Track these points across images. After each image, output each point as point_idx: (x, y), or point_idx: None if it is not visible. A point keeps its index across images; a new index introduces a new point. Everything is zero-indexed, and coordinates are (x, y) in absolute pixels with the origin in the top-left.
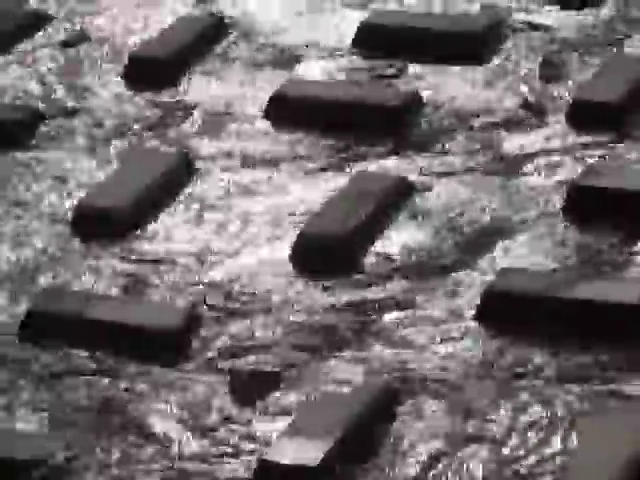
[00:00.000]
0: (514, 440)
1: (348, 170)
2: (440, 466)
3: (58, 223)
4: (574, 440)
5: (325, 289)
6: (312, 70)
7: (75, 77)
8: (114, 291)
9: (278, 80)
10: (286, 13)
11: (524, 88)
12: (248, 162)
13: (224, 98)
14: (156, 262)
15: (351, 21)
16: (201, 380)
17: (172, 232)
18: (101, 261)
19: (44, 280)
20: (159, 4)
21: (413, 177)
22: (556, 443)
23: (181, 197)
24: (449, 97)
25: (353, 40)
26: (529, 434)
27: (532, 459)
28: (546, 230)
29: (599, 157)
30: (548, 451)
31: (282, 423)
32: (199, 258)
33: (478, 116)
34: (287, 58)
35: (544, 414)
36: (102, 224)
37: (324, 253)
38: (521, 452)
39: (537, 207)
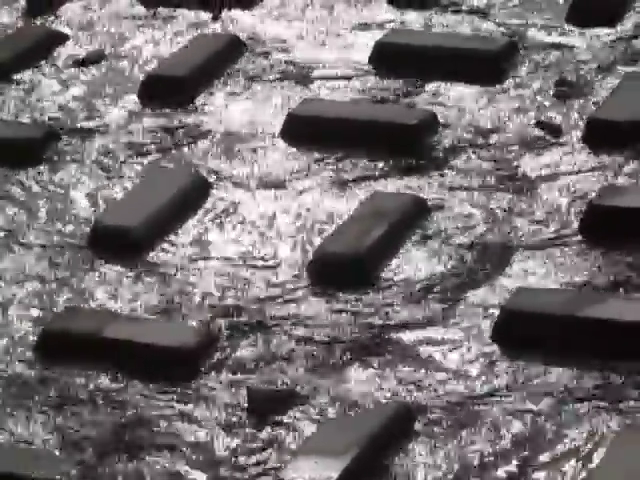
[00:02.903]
0: (530, 457)
1: (364, 189)
2: None
3: (74, 241)
4: (595, 455)
5: (341, 307)
6: (329, 89)
7: (92, 96)
8: (129, 310)
9: (295, 99)
10: (303, 32)
11: (541, 107)
12: (264, 181)
13: (241, 117)
14: (172, 280)
15: (368, 40)
16: (218, 397)
17: (188, 251)
18: (117, 279)
19: (60, 299)
20: (175, 23)
21: (429, 196)
22: (577, 458)
23: (197, 215)
24: (465, 116)
25: (369, 59)
26: (547, 452)
27: (552, 475)
28: (562, 249)
29: (616, 176)
30: (568, 466)
31: (298, 441)
32: (215, 276)
33: (494, 135)
34: (304, 77)
35: (563, 431)
36: (118, 243)
37: (340, 271)
38: (540, 467)
39: (554, 226)
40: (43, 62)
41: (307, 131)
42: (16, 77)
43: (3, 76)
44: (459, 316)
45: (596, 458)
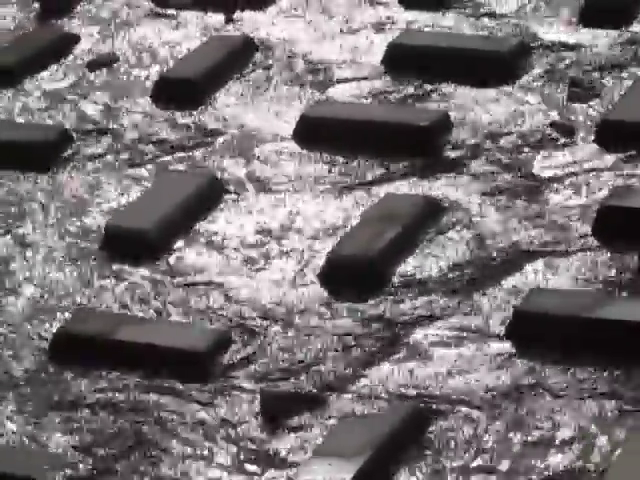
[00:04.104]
0: (546, 457)
1: (377, 190)
2: None
3: (86, 244)
4: (609, 457)
5: (354, 309)
6: (341, 91)
7: (105, 98)
8: (142, 312)
9: (307, 100)
10: (315, 33)
11: (553, 108)
12: (277, 183)
13: (253, 119)
14: (185, 284)
15: (380, 41)
16: (230, 401)
17: (201, 253)
18: (130, 281)
19: (73, 300)
20: (188, 24)
21: (441, 197)
22: (591, 460)
23: (210, 218)
24: (477, 117)
25: (382, 60)
26: (563, 452)
27: (566, 474)
28: (575, 250)
29: (629, 177)
30: (582, 468)
31: (312, 443)
32: (227, 279)
33: (506, 136)
34: (316, 78)
35: (576, 432)
36: (131, 245)
37: (353, 273)
38: (556, 466)
39: (566, 227)
40: (56, 64)
41: (320, 133)
42: (29, 79)
43: (16, 78)
44: (472, 316)
45: (611, 458)
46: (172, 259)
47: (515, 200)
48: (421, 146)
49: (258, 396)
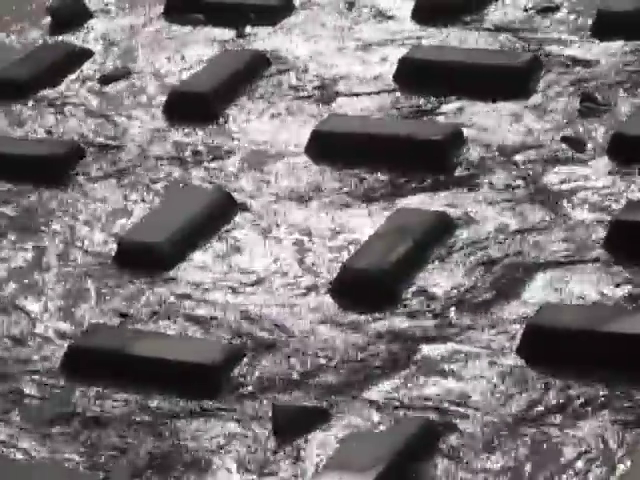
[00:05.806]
0: (559, 472)
1: (389, 205)
2: None
3: (100, 258)
4: (621, 470)
5: (366, 322)
6: (353, 105)
7: (116, 112)
8: (154, 326)
9: (319, 115)
10: (327, 48)
11: (565, 123)
12: (288, 197)
13: (265, 133)
14: (197, 297)
15: (392, 56)
16: (242, 415)
17: (212, 267)
18: (141, 296)
19: (85, 316)
20: (200, 39)
21: (453, 211)
22: (604, 476)
23: (222, 232)
24: (490, 132)
25: (394, 75)
26: (573, 468)
27: None
28: (588, 264)
29: None
30: None
31: (324, 457)
32: (239, 293)
33: (519, 151)
34: (328, 93)
35: (590, 447)
36: (144, 259)
37: (365, 287)
38: None
39: (579, 241)
40: (68, 78)
41: (332, 147)
42: (40, 93)
43: (28, 92)
44: (483, 331)
45: (622, 473)
46: (184, 274)
47: (528, 215)
48: (434, 160)
49: (270, 410)
